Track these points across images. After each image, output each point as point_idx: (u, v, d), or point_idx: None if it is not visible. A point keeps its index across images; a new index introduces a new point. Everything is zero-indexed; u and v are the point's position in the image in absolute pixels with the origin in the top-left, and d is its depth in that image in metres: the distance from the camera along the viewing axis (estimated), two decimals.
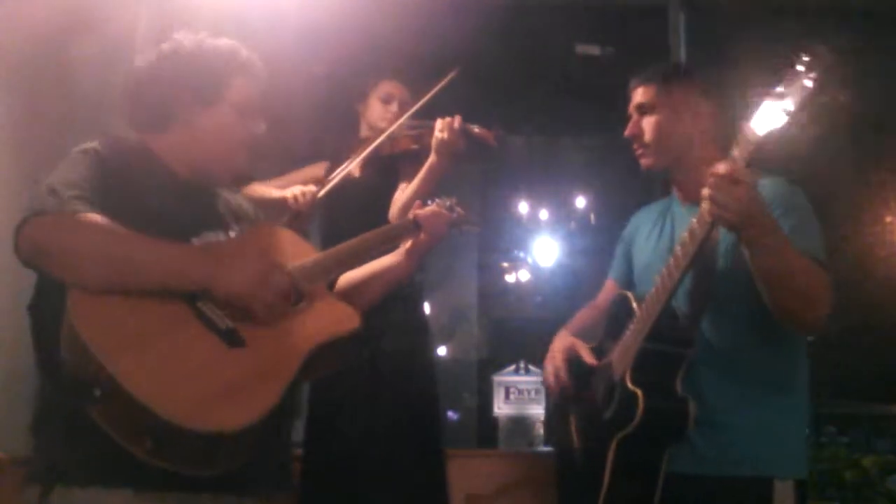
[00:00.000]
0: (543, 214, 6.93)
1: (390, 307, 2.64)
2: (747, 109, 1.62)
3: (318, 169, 3.05)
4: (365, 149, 2.92)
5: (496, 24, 3.91)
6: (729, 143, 1.69)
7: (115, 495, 1.46)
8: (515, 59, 4.41)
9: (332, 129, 3.29)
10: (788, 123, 1.51)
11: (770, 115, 1.54)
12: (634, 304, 1.95)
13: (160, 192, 1.66)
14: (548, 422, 3.88)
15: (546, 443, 3.91)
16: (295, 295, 1.65)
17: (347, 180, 2.93)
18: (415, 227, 1.94)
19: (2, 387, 2.76)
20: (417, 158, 2.84)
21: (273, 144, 1.98)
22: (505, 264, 7.10)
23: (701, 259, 1.78)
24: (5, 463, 2.64)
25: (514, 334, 6.62)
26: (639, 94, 2.07)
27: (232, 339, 1.50)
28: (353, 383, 2.64)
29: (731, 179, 1.58)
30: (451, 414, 5.96)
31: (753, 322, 1.85)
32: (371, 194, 2.91)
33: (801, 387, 1.94)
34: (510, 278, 7.12)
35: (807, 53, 1.49)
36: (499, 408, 4.08)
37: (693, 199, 1.98)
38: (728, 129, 1.99)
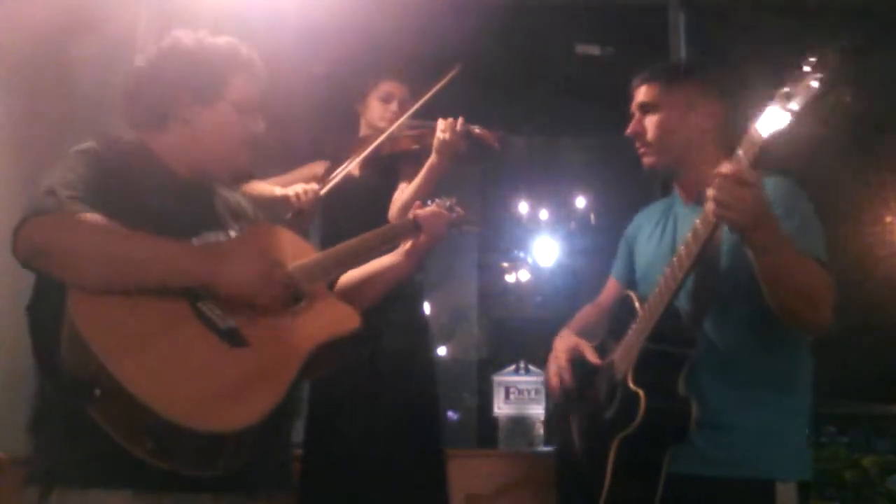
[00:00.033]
0: (543, 214, 6.93)
1: (390, 307, 2.64)
2: (748, 109, 1.62)
3: (317, 167, 3.05)
4: (366, 148, 2.92)
5: (496, 24, 3.91)
6: (732, 142, 1.68)
7: (114, 497, 1.46)
8: (515, 59, 4.41)
9: (332, 129, 3.29)
10: (794, 124, 1.49)
11: (775, 116, 1.53)
12: (637, 304, 1.94)
13: (160, 192, 1.66)
14: (548, 422, 3.88)
15: (546, 443, 3.91)
16: (295, 294, 1.65)
17: (347, 180, 2.93)
18: (415, 227, 1.94)
19: (2, 387, 2.75)
20: (418, 158, 2.84)
21: (273, 144, 1.98)
22: (505, 264, 7.09)
23: (704, 259, 1.77)
24: (5, 463, 2.64)
25: (514, 334, 6.62)
26: (641, 93, 2.06)
27: (233, 338, 1.49)
28: (353, 383, 2.64)
29: (736, 180, 1.57)
30: (451, 414, 5.96)
31: (756, 323, 1.85)
32: (371, 194, 2.91)
33: (804, 388, 1.93)
34: (510, 278, 7.12)
35: (813, 54, 1.48)
36: (499, 408, 4.07)
37: (696, 199, 1.98)
38: (731, 128, 1.99)
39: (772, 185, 1.83)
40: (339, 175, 2.91)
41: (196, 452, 1.38)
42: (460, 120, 2.70)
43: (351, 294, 1.83)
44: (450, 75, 2.94)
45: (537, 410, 4.01)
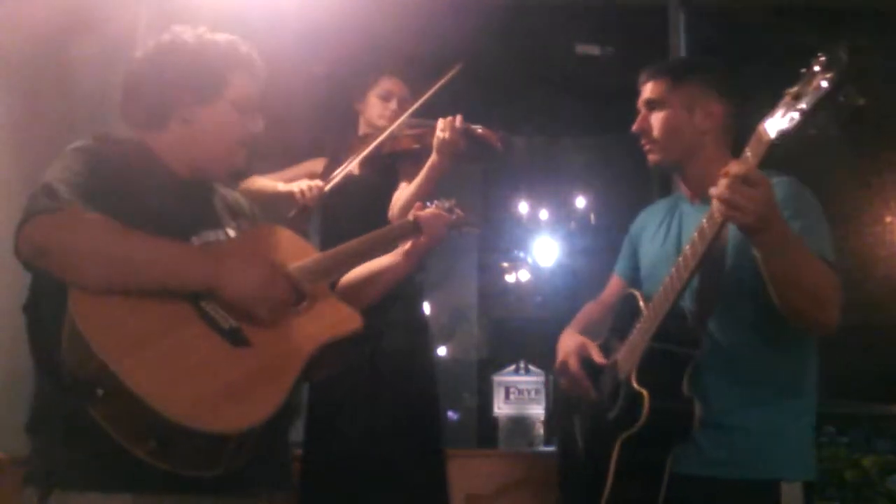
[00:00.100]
0: (543, 214, 6.92)
1: (390, 307, 2.65)
2: (749, 109, 1.61)
3: (316, 164, 3.05)
4: (367, 146, 2.91)
5: (496, 24, 3.91)
6: (737, 140, 1.67)
7: (113, 499, 1.45)
8: (515, 59, 4.41)
9: (332, 128, 3.29)
10: (802, 124, 1.48)
11: (784, 116, 1.52)
12: (641, 304, 1.94)
13: (159, 191, 1.65)
14: (548, 422, 3.88)
15: (546, 443, 3.90)
16: (296, 295, 1.64)
17: (348, 178, 2.92)
18: (415, 228, 1.94)
19: (2, 387, 2.75)
20: (418, 158, 2.83)
21: (273, 144, 1.98)
22: (505, 264, 7.08)
23: (710, 259, 1.77)
24: (5, 463, 2.63)
25: (514, 334, 6.60)
26: (648, 89, 2.04)
27: (236, 338, 1.49)
28: (353, 383, 2.64)
29: (744, 180, 1.56)
30: (451, 414, 5.95)
31: (761, 323, 1.84)
32: (371, 193, 2.91)
33: (810, 388, 1.92)
34: (510, 278, 7.11)
35: (824, 53, 1.46)
36: (499, 408, 4.06)
37: (701, 198, 1.97)
38: (735, 127, 1.99)
39: (779, 185, 1.83)
40: (342, 171, 2.91)
41: (197, 453, 1.38)
42: (458, 118, 2.69)
43: (350, 294, 1.83)
44: (450, 74, 2.93)
45: (537, 410, 4.00)
